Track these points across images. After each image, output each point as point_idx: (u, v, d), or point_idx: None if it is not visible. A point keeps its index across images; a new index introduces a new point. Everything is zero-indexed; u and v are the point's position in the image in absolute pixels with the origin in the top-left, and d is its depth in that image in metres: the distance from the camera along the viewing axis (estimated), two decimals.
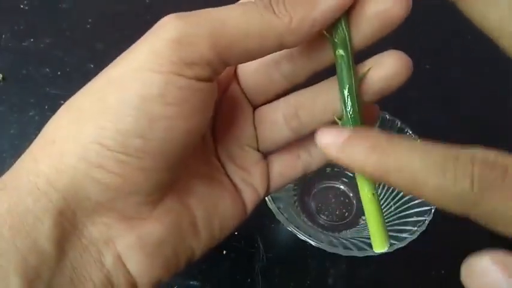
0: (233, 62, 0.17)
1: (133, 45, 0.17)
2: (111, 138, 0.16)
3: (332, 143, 0.16)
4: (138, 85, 0.16)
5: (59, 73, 0.45)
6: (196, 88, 0.16)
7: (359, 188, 0.19)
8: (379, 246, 0.19)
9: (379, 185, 0.37)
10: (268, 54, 0.18)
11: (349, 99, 0.18)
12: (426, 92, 0.47)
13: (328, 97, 0.20)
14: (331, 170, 0.39)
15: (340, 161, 0.16)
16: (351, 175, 0.39)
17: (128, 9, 0.51)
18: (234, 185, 0.22)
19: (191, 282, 0.34)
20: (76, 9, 0.50)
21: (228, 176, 0.22)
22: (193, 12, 0.17)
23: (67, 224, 0.16)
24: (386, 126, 0.36)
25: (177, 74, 0.16)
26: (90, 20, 0.49)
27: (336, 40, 0.17)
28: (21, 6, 0.50)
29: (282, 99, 0.22)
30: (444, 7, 0.59)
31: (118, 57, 0.18)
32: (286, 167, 0.23)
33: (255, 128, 0.22)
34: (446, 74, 0.48)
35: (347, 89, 0.18)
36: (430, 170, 0.15)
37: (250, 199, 0.22)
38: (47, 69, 0.45)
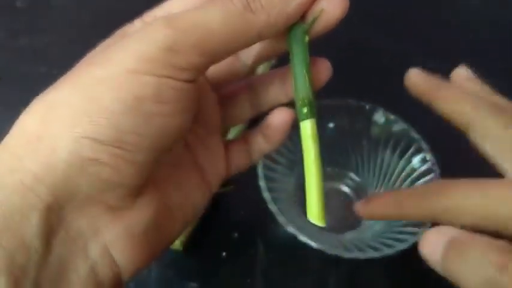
0: (217, 61, 0.19)
1: (117, 44, 0.18)
2: (106, 135, 0.16)
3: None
4: (133, 86, 0.17)
5: (55, 72, 0.44)
6: (185, 88, 0.18)
7: (303, 150, 0.20)
8: (316, 218, 0.20)
9: (380, 186, 0.37)
10: (247, 47, 0.19)
11: (307, 77, 0.20)
12: None
13: (281, 81, 0.23)
14: (332, 170, 0.39)
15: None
16: (354, 177, 0.39)
17: (125, 6, 0.50)
18: (199, 167, 0.23)
19: (191, 284, 0.33)
20: (72, 7, 0.50)
21: (192, 160, 0.23)
22: (179, 16, 0.18)
23: (55, 218, 0.17)
24: (386, 126, 0.36)
25: (169, 76, 0.17)
26: (86, 18, 0.49)
27: (305, 28, 0.20)
28: (18, 5, 0.49)
29: (243, 81, 0.24)
30: (445, 7, 0.59)
31: (96, 54, 0.18)
32: (239, 155, 0.25)
33: (220, 111, 0.24)
34: (447, 74, 0.48)
35: (305, 68, 0.20)
36: None
37: (214, 179, 0.24)
38: (44, 68, 0.44)
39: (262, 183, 0.32)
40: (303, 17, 0.20)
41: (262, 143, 0.25)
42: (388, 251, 0.30)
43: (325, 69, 0.22)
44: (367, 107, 0.36)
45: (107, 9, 0.50)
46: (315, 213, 0.20)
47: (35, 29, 0.47)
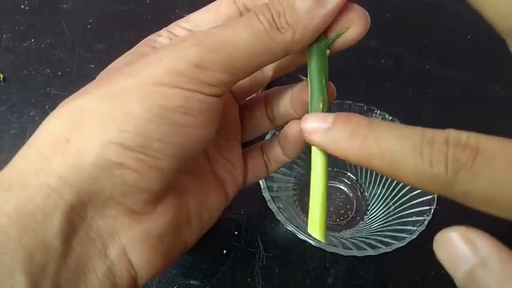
0: (244, 77, 0.19)
1: (147, 57, 0.18)
2: (132, 140, 0.17)
3: (317, 128, 0.18)
4: (160, 96, 0.17)
5: (59, 73, 0.45)
6: (210, 102, 0.18)
7: (312, 167, 0.20)
8: (317, 231, 0.20)
9: (377, 184, 0.37)
10: (274, 62, 0.19)
11: (325, 89, 0.20)
12: (426, 91, 0.47)
13: (297, 95, 0.23)
14: (331, 170, 0.39)
15: (323, 147, 0.18)
16: (351, 176, 0.39)
17: (128, 9, 0.51)
18: (218, 177, 0.24)
19: (191, 282, 0.34)
20: (76, 9, 0.50)
21: (212, 170, 0.23)
22: (207, 34, 0.18)
23: (77, 218, 0.17)
24: None
25: (195, 90, 0.18)
26: (90, 20, 0.49)
27: (328, 42, 0.20)
28: (22, 7, 0.50)
29: (262, 94, 0.25)
30: (445, 8, 0.59)
31: (126, 66, 0.18)
32: (256, 166, 0.26)
33: (240, 122, 0.25)
34: (446, 74, 0.48)
35: (325, 81, 0.20)
36: (408, 154, 0.16)
37: (232, 189, 0.24)
38: (48, 70, 0.45)
39: (262, 182, 0.33)
40: (325, 31, 0.19)
41: (279, 154, 0.25)
42: (385, 249, 0.31)
43: (330, 92, 0.22)
44: (365, 107, 0.37)
45: (111, 11, 0.51)
46: (316, 227, 0.20)
47: (39, 31, 0.48)
